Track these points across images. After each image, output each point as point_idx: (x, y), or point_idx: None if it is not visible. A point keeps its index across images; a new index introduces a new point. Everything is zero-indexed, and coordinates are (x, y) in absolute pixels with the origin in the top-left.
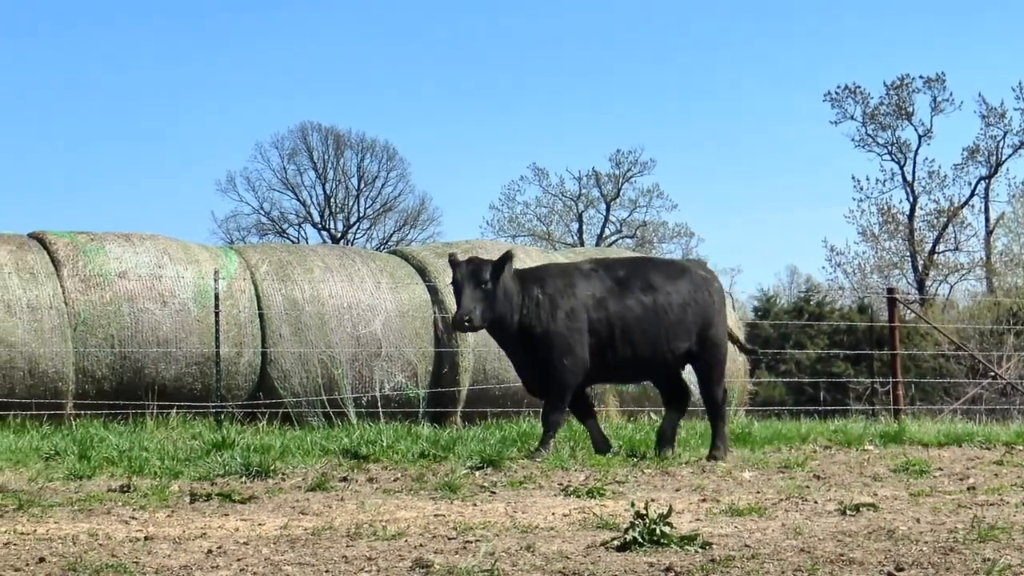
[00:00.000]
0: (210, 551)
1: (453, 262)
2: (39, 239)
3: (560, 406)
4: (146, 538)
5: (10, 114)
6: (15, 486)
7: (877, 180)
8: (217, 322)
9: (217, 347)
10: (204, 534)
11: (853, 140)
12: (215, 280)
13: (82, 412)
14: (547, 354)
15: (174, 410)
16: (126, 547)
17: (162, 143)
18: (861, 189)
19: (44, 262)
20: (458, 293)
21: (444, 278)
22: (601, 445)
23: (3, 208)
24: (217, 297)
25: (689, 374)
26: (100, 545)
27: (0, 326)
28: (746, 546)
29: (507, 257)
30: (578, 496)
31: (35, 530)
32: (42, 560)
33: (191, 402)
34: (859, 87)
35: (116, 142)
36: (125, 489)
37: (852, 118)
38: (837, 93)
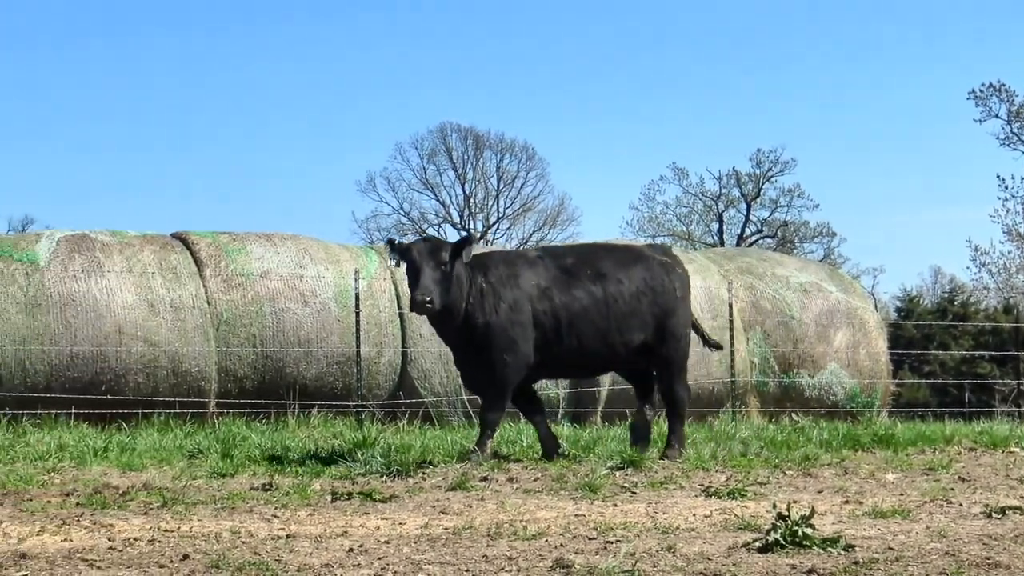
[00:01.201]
0: (351, 549)
1: (401, 245)
2: (182, 239)
3: (499, 404)
4: (288, 536)
5: (155, 116)
6: (159, 484)
7: (1023, 179)
8: (358, 322)
9: (358, 346)
10: (345, 532)
11: (998, 138)
12: (355, 280)
13: (224, 411)
14: (487, 349)
15: (315, 409)
16: (268, 545)
17: (304, 144)
18: (1006, 188)
19: (187, 262)
20: (415, 273)
21: None
22: (548, 444)
23: (147, 209)
24: (358, 297)
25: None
26: (243, 543)
27: (144, 325)
28: (889, 548)
29: (468, 240)
30: (719, 497)
31: (179, 527)
32: (186, 557)
33: (332, 401)
34: (1004, 85)
35: (257, 143)
36: (267, 488)
37: (997, 116)
38: (981, 91)
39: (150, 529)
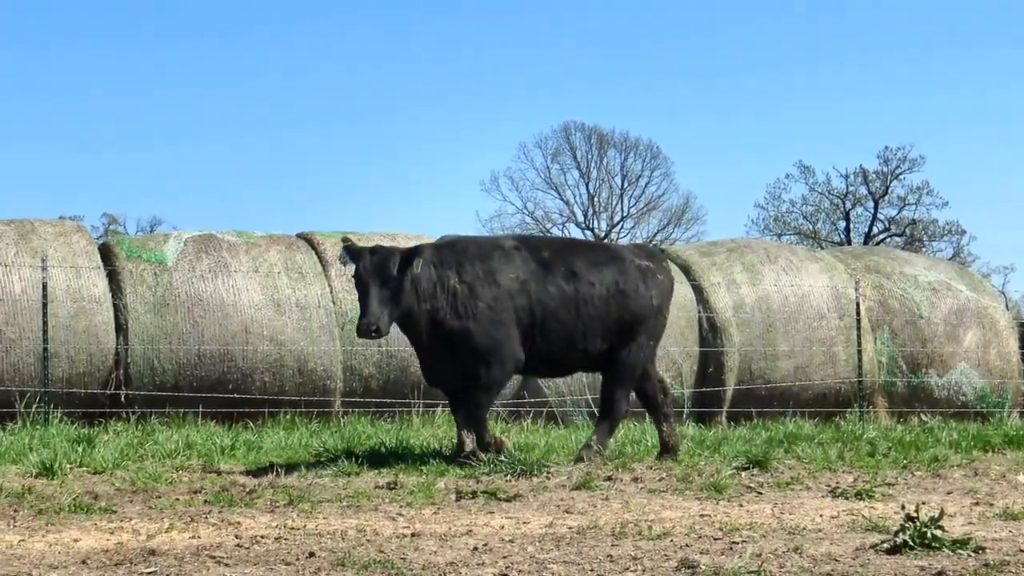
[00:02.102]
0: (476, 548)
1: (351, 249)
2: (307, 239)
3: (483, 408)
4: (413, 535)
5: (281, 118)
6: (285, 482)
7: None
8: None
9: None
10: (470, 531)
11: None
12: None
13: (350, 409)
14: (470, 353)
15: (439, 408)
16: (393, 543)
17: (428, 143)
18: None
19: (312, 262)
20: (362, 292)
21: (709, 277)
22: (461, 444)
23: (273, 209)
24: None
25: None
26: (368, 541)
27: (270, 325)
28: (1021, 551)
29: (417, 252)
30: (846, 498)
31: (305, 525)
32: (312, 555)
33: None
34: None
35: (382, 143)
36: (392, 486)
37: None
38: None
39: (276, 527)
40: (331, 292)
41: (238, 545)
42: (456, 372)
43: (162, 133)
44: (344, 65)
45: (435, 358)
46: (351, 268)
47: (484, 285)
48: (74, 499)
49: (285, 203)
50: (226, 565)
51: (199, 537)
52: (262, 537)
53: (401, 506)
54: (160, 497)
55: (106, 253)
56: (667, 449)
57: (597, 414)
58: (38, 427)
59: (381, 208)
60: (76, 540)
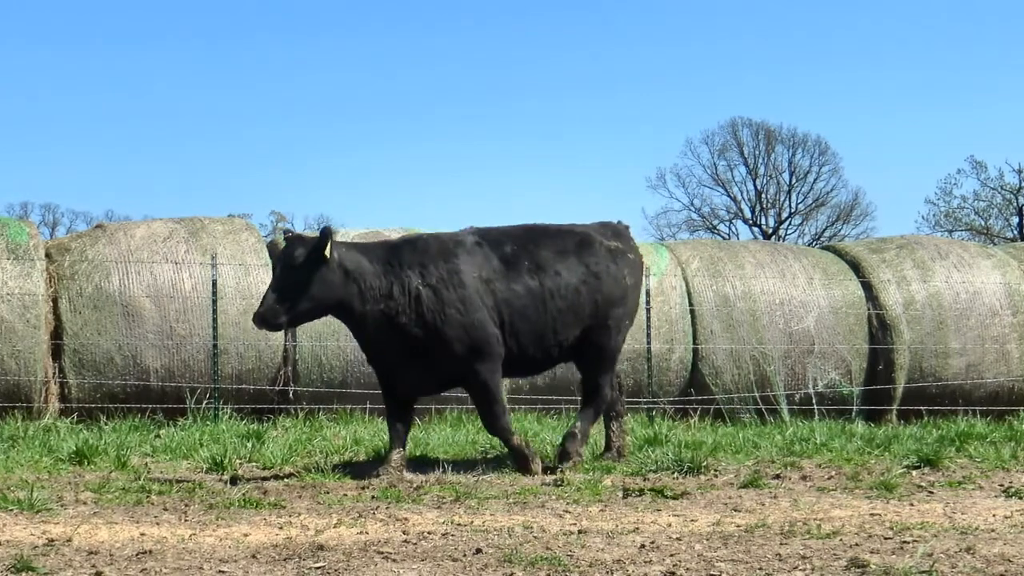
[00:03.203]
0: (643, 546)
1: (272, 245)
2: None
3: (498, 409)
4: (579, 532)
5: (445, 116)
6: (452, 478)
7: None
8: (648, 318)
9: (648, 343)
10: (637, 529)
11: None
12: (646, 276)
13: (516, 406)
14: (455, 360)
15: None
16: (560, 540)
17: (594, 140)
18: None
19: None
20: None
21: (878, 274)
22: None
23: (440, 206)
24: (648, 293)
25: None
26: (535, 538)
27: None
28: None
29: (326, 234)
30: (1020, 497)
31: (472, 521)
32: (479, 551)
33: (624, 398)
34: None
35: (547, 140)
36: (558, 483)
37: None
38: None
39: (443, 523)
40: None
41: (405, 541)
42: (430, 380)
43: (330, 133)
44: (507, 62)
45: (393, 363)
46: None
47: (450, 288)
48: (243, 494)
49: (451, 200)
50: (393, 560)
51: (367, 532)
52: (429, 533)
53: (568, 503)
54: (328, 493)
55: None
56: (610, 448)
57: (580, 401)
58: (208, 423)
59: (548, 205)
60: (246, 535)
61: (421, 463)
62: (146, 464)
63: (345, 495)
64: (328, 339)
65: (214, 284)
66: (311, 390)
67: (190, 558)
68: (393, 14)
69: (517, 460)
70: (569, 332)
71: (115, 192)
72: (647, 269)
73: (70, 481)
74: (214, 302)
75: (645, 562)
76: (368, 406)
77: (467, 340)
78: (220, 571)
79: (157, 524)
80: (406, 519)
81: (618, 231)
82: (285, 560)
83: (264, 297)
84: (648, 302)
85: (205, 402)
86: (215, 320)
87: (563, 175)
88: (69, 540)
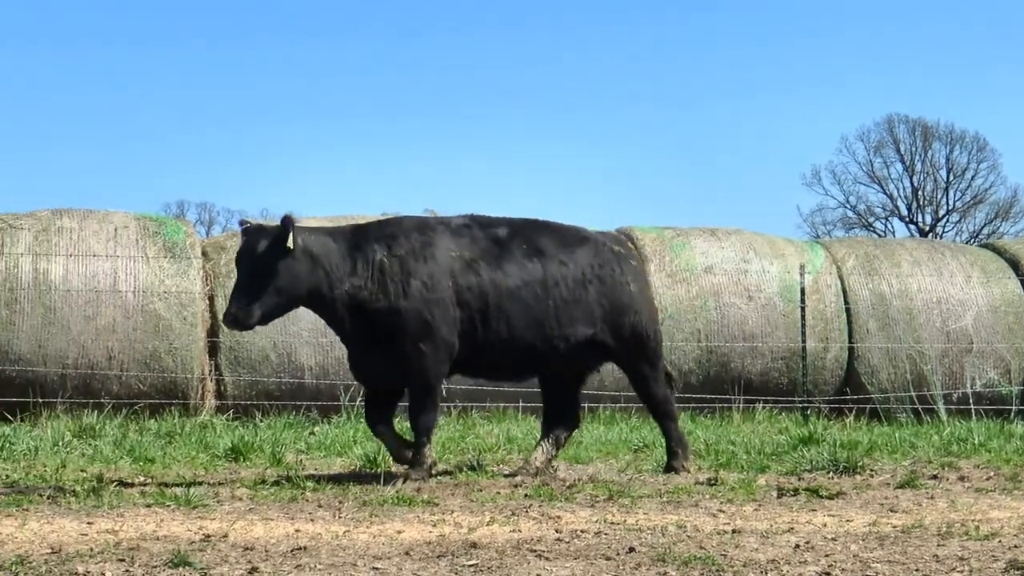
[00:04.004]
0: (797, 546)
1: (242, 225)
2: (627, 234)
3: (428, 402)
4: (733, 531)
5: (600, 114)
6: (605, 476)
7: None
8: (803, 317)
9: (803, 342)
10: (791, 529)
11: None
12: (801, 274)
13: (682, 405)
14: (399, 338)
15: (760, 404)
16: (714, 540)
17: (748, 138)
18: None
19: None
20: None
21: None
22: (400, 456)
23: (594, 205)
24: (803, 291)
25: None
26: (688, 537)
27: None
28: None
29: (287, 223)
30: None
31: (624, 520)
32: (632, 550)
33: (777, 396)
34: None
35: (696, 138)
36: (712, 482)
37: None
38: None
39: (596, 521)
40: (652, 287)
41: (558, 539)
42: (385, 366)
43: (484, 131)
44: (657, 59)
45: (360, 350)
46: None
47: (419, 260)
48: (397, 492)
49: (605, 199)
50: (546, 559)
51: (520, 531)
52: (582, 531)
53: (721, 502)
54: (481, 491)
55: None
56: (530, 459)
57: (657, 421)
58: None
59: (700, 204)
60: (399, 532)
61: (574, 462)
62: (300, 461)
63: (498, 493)
64: None
65: None
66: (464, 387)
67: (344, 554)
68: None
69: (416, 458)
70: (578, 328)
71: (271, 190)
72: (803, 267)
73: (226, 477)
74: None
75: (800, 562)
76: (521, 404)
77: (422, 321)
78: (374, 568)
79: (311, 521)
80: (559, 517)
81: (618, 238)
82: (438, 557)
83: (232, 296)
84: (803, 300)
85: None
86: None
87: (716, 173)
88: (225, 536)
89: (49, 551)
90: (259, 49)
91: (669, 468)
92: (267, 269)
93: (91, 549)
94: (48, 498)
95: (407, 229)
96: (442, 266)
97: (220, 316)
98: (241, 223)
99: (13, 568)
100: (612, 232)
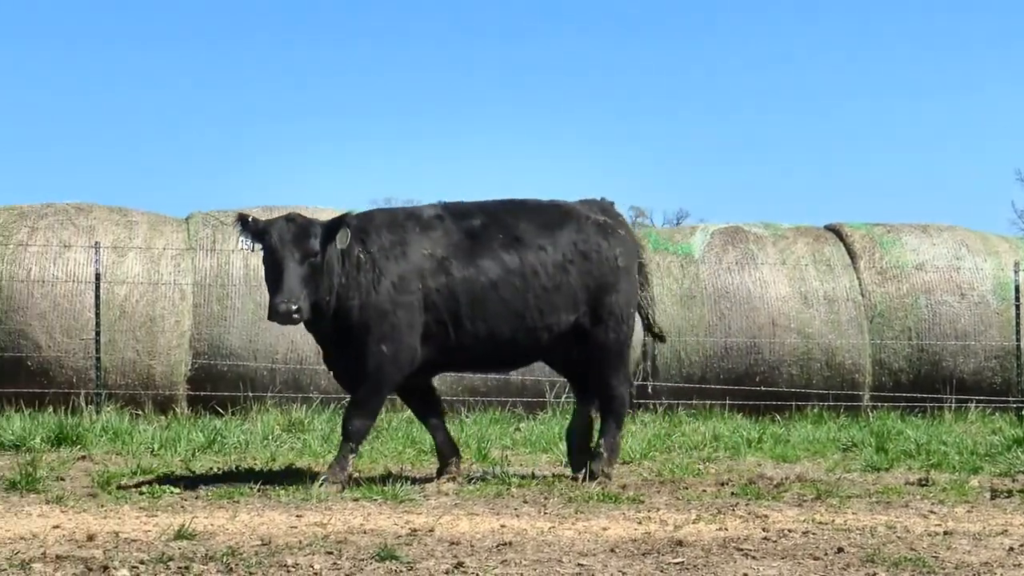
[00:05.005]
0: (1011, 549)
1: (255, 225)
2: (836, 231)
3: (369, 407)
4: (945, 533)
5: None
6: (813, 476)
7: None
8: (1018, 315)
9: (1018, 341)
10: (1005, 531)
11: None
12: (1015, 272)
13: (878, 404)
14: (360, 337)
15: (972, 404)
16: (924, 541)
17: (961, 134)
18: None
19: (840, 254)
20: (275, 269)
21: None
22: (445, 451)
23: (802, 201)
24: (1018, 289)
25: None
26: (898, 538)
27: (797, 318)
28: None
29: (343, 221)
30: None
31: (832, 520)
32: (840, 550)
33: (990, 396)
34: None
35: (908, 132)
36: (923, 483)
37: None
38: None
39: (804, 521)
40: (860, 285)
41: (765, 538)
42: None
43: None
44: (874, 53)
45: (334, 347)
46: (247, 241)
47: (390, 259)
48: (603, 488)
49: (813, 195)
50: (753, 558)
51: (726, 529)
52: (789, 531)
53: (932, 503)
54: (687, 488)
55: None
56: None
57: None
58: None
59: (911, 200)
60: (604, 529)
61: (781, 460)
62: (506, 457)
63: (704, 491)
64: (687, 334)
65: None
66: (670, 385)
67: (549, 551)
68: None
69: (336, 463)
70: (559, 316)
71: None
72: (1017, 265)
73: (430, 473)
74: None
75: (1014, 566)
76: (727, 402)
77: (387, 323)
78: (579, 564)
79: (517, 516)
80: (766, 516)
81: (605, 207)
82: (643, 555)
83: (284, 286)
84: (1018, 298)
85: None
86: None
87: (926, 169)
88: (431, 530)
89: (259, 543)
90: (224, 45)
91: (588, 470)
92: (316, 262)
93: (300, 541)
94: (258, 491)
95: (379, 226)
96: (413, 265)
97: None
98: (240, 217)
99: (224, 559)
100: (599, 201)
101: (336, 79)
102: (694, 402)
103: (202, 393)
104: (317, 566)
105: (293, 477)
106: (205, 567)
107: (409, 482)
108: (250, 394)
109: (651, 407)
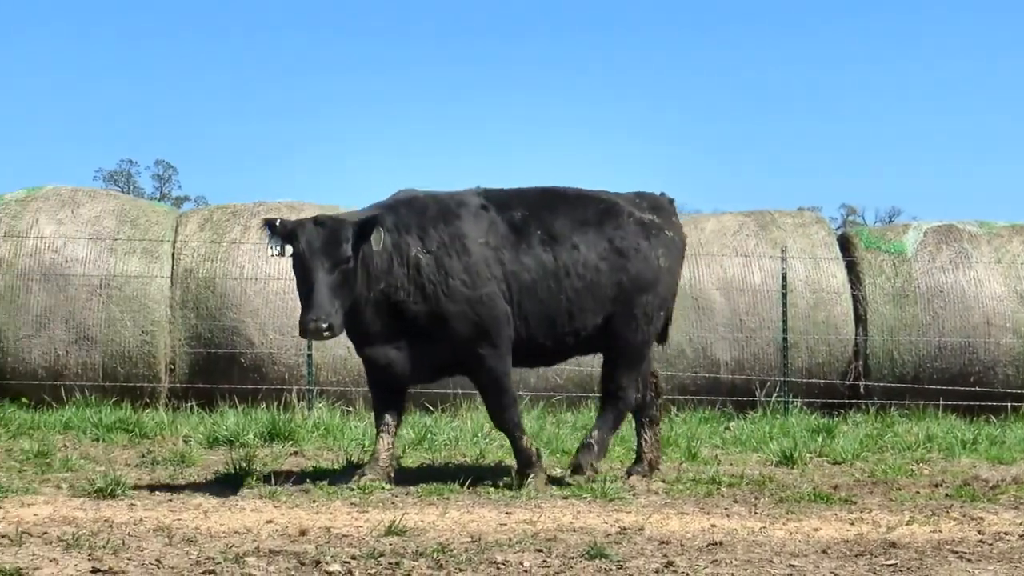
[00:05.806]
0: None
1: (283, 227)
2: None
3: (507, 400)
4: None
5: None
6: None
7: None
8: None
9: None
10: None
11: None
12: None
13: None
14: (462, 342)
15: None
16: None
17: None
18: None
19: None
20: (306, 280)
21: None
22: (395, 450)
23: (1017, 199)
24: None
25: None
26: None
27: (1013, 317)
28: None
29: (375, 222)
30: None
31: None
32: None
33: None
34: None
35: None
36: None
37: None
38: None
39: (1020, 524)
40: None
41: (980, 541)
42: (426, 365)
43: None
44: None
45: (392, 349)
46: (276, 246)
47: (452, 256)
48: (814, 488)
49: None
50: (968, 560)
51: (940, 531)
52: (1005, 534)
53: None
54: (900, 490)
55: (844, 244)
56: (640, 460)
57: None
58: (778, 416)
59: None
60: (816, 529)
61: (997, 462)
62: (716, 456)
63: (918, 492)
64: (899, 333)
65: (784, 277)
66: (883, 385)
67: (760, 551)
68: None
69: (520, 461)
70: (587, 319)
71: (686, 186)
72: None
73: (644, 472)
74: (784, 295)
75: None
76: (941, 403)
77: (473, 318)
78: (790, 565)
79: (727, 516)
80: (981, 518)
81: (657, 204)
82: (856, 556)
83: (315, 300)
84: None
85: (775, 395)
86: (785, 313)
87: None
88: (641, 529)
89: (469, 539)
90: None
91: (578, 463)
92: (348, 268)
93: (509, 539)
94: (467, 488)
95: (434, 219)
96: (478, 256)
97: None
98: (267, 221)
99: (435, 555)
100: (651, 195)
101: (385, 73)
102: (907, 402)
103: (413, 391)
104: (527, 563)
105: (502, 474)
106: (415, 563)
107: (619, 481)
108: (459, 392)
109: (863, 407)
